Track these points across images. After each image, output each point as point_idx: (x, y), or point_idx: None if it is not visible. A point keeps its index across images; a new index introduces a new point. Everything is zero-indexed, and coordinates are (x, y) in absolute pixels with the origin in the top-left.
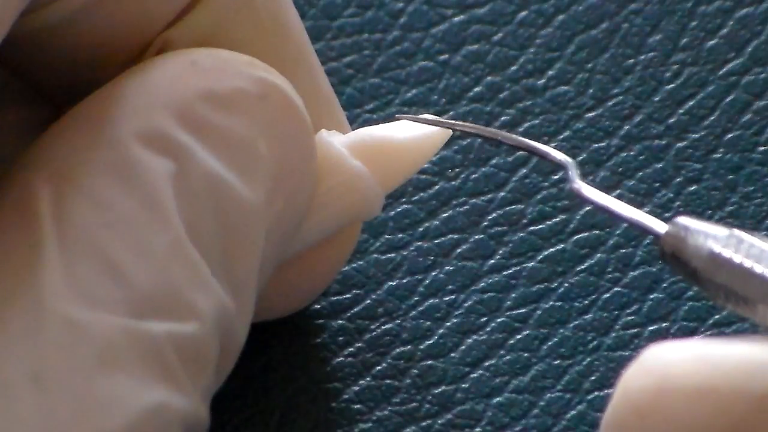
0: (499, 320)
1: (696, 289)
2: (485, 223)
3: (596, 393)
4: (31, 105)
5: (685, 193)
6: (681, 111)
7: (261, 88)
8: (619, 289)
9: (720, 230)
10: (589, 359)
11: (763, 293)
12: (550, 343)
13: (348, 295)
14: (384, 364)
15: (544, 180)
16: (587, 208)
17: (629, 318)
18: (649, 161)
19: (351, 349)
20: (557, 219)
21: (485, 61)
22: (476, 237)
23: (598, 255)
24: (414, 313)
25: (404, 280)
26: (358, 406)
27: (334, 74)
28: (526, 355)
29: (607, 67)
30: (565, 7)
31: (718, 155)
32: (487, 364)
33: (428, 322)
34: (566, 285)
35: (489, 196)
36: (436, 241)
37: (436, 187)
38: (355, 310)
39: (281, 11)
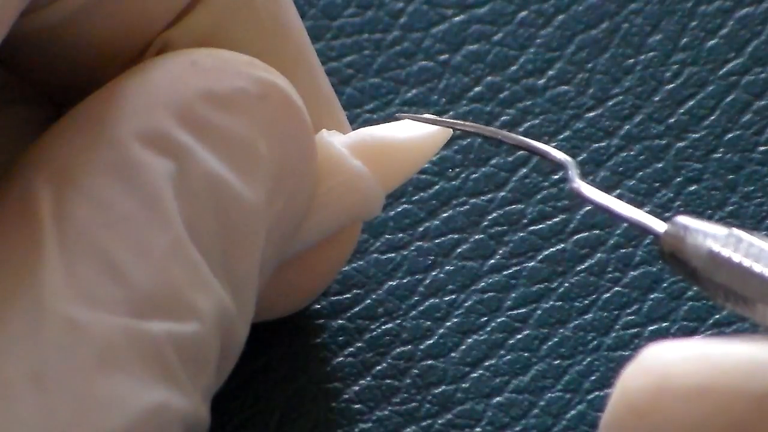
0: (499, 320)
1: (696, 289)
2: (485, 223)
3: (596, 393)
4: (31, 105)
5: (685, 193)
6: (681, 111)
7: (261, 88)
8: (619, 289)
9: (719, 229)
10: (589, 359)
11: (762, 292)
12: (550, 343)
13: (348, 295)
14: (384, 364)
15: (544, 180)
16: (587, 208)
17: (629, 318)
18: (649, 161)
19: (351, 349)
20: (557, 219)
21: (485, 61)
22: (476, 237)
23: (598, 255)
24: (414, 313)
25: (404, 280)
26: (358, 406)
27: (334, 74)
28: (526, 355)
29: (607, 67)
30: (565, 7)
31: (718, 155)
32: (487, 364)
33: (428, 322)
34: (566, 285)
35: (489, 196)
36: (436, 241)
37: (436, 187)
38: (355, 310)
39: (281, 11)
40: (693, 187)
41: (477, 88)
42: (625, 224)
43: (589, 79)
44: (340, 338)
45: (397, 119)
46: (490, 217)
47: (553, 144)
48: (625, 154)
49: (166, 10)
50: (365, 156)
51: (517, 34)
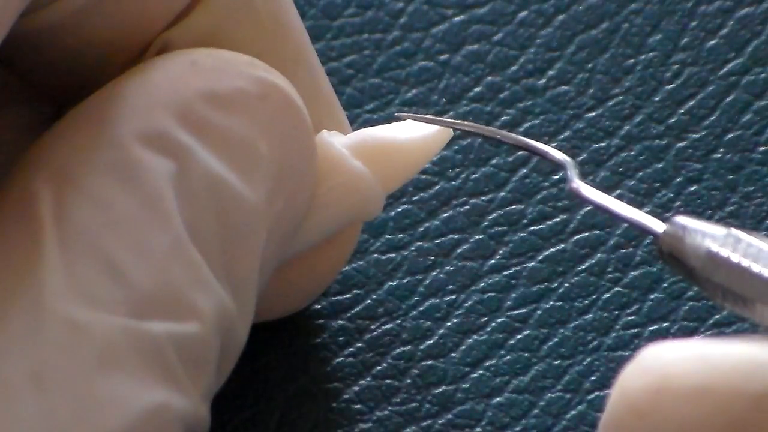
0: (499, 320)
1: (696, 289)
2: (485, 223)
3: (596, 393)
4: (31, 105)
5: (685, 193)
6: (681, 111)
7: (261, 88)
8: (619, 289)
9: (718, 229)
10: (589, 359)
11: (761, 292)
12: (550, 343)
13: (348, 295)
14: (384, 364)
15: (545, 180)
16: (587, 208)
17: (629, 318)
18: (649, 161)
19: (351, 349)
20: (557, 219)
21: (485, 61)
22: (476, 237)
23: (599, 255)
24: (414, 313)
25: (404, 280)
26: (358, 406)
27: (334, 74)
28: (526, 355)
29: (607, 67)
30: (565, 7)
31: (718, 155)
32: (487, 364)
33: (428, 322)
34: (566, 285)
35: (489, 196)
36: (437, 241)
37: (437, 187)
38: (356, 310)
39: (281, 11)
40: (693, 187)
41: (477, 88)
42: (625, 224)
43: (589, 79)
44: (340, 338)
45: (396, 119)
46: (490, 217)
47: (553, 144)
48: (625, 154)
49: (166, 11)
50: (366, 157)
51: (517, 34)
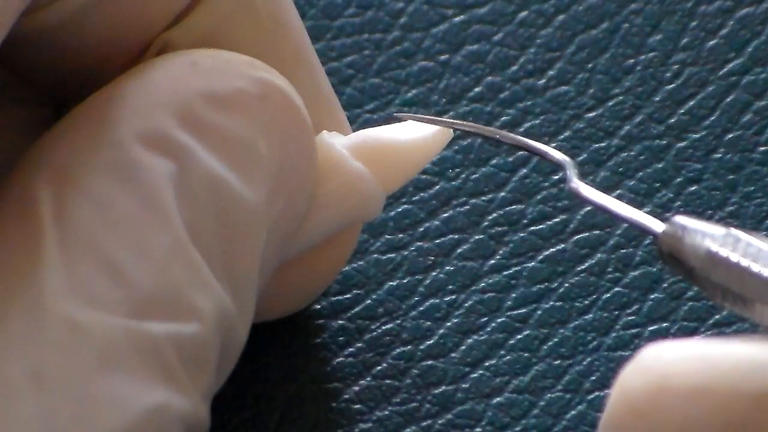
0: (499, 320)
1: (696, 289)
2: (485, 223)
3: (596, 393)
4: (31, 105)
5: (685, 193)
6: (681, 111)
7: (261, 89)
8: (619, 289)
9: (717, 229)
10: (589, 359)
11: (760, 292)
12: (550, 343)
13: (348, 295)
14: (384, 364)
15: (545, 180)
16: (587, 208)
17: (629, 318)
18: (649, 161)
19: (351, 349)
20: (557, 219)
21: (485, 61)
22: (476, 237)
23: (599, 255)
24: (414, 313)
25: (404, 280)
26: (358, 406)
27: (334, 74)
28: (526, 355)
29: (607, 67)
30: (565, 7)
31: (718, 155)
32: (487, 364)
33: (428, 322)
34: (566, 285)
35: (489, 196)
36: (437, 241)
37: (437, 187)
38: (356, 310)
39: (281, 11)
40: (693, 188)
41: (477, 88)
42: (625, 224)
43: (589, 79)
44: (340, 338)
45: (395, 119)
46: (490, 218)
47: (553, 144)
48: (625, 154)
49: (166, 11)
50: (366, 157)
51: (518, 34)
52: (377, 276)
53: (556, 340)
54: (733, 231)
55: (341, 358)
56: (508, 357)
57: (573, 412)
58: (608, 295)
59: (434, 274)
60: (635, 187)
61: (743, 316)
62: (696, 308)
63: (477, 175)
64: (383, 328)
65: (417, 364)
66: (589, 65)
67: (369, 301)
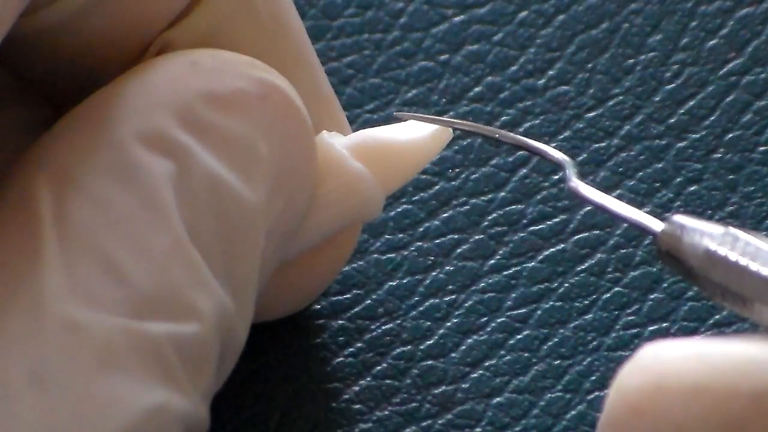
0: (499, 320)
1: (696, 289)
2: (485, 223)
3: (596, 393)
4: (31, 105)
5: (685, 193)
6: (681, 111)
7: (261, 89)
8: (619, 289)
9: (716, 228)
10: (589, 359)
11: (759, 291)
12: (550, 343)
13: (348, 295)
14: (384, 364)
15: (544, 180)
16: (587, 208)
17: (629, 318)
18: (649, 161)
19: (351, 349)
20: (557, 219)
21: (485, 61)
22: (476, 237)
23: (599, 255)
24: (414, 313)
25: (404, 280)
26: (358, 406)
27: (334, 74)
28: (526, 355)
29: (607, 67)
30: (565, 7)
31: (718, 155)
32: (487, 364)
33: (428, 322)
34: (566, 285)
35: (489, 196)
36: (437, 241)
37: (436, 187)
38: (356, 310)
39: (281, 11)
40: (693, 188)
41: (477, 88)
42: (625, 224)
43: (589, 79)
44: (340, 338)
45: (395, 118)
46: (490, 218)
47: (553, 144)
48: (625, 154)
49: (166, 11)
50: (366, 158)
51: (518, 34)
52: (377, 276)
53: (556, 340)
54: (732, 230)
55: (341, 358)
56: (508, 357)
57: (573, 412)
58: (608, 295)
59: (434, 274)
60: (635, 187)
61: (743, 316)
62: (696, 308)
63: (477, 175)
64: (383, 328)
65: (417, 364)
66: (589, 65)
67: (369, 301)
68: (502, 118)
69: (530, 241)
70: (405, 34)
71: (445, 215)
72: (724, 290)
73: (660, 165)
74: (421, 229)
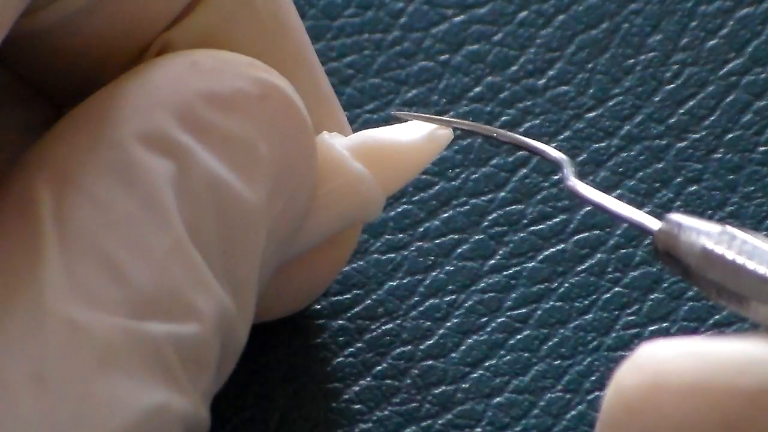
0: (499, 320)
1: (696, 289)
2: (485, 223)
3: (596, 393)
4: (31, 105)
5: (685, 193)
6: (681, 111)
7: (261, 89)
8: (620, 289)
9: (713, 227)
10: (589, 359)
11: (756, 289)
12: (550, 343)
13: (348, 295)
14: (384, 364)
15: (545, 180)
16: (587, 208)
17: (629, 318)
18: (649, 161)
19: (351, 349)
20: (557, 219)
21: (485, 61)
22: (476, 237)
23: (599, 255)
24: (414, 313)
25: (404, 280)
26: (358, 406)
27: (334, 74)
28: (526, 355)
29: (607, 67)
30: (565, 7)
31: (718, 155)
32: (487, 364)
33: (428, 322)
34: (566, 285)
35: (489, 196)
36: (437, 241)
37: (437, 187)
38: (356, 310)
39: (281, 11)
40: (693, 188)
41: (477, 88)
42: (625, 224)
43: (589, 79)
44: (340, 338)
45: (395, 118)
46: (490, 218)
47: (553, 144)
48: (625, 154)
49: (166, 11)
50: (366, 158)
51: (518, 34)
52: (377, 276)
53: (556, 340)
54: (729, 229)
55: (341, 358)
56: (508, 357)
57: (573, 412)
58: (608, 295)
59: (434, 274)
60: (635, 187)
61: (740, 314)
62: (696, 308)
63: (477, 175)
64: (383, 328)
65: (417, 364)
66: (589, 65)
67: (369, 301)
68: (502, 118)
69: (530, 241)
70: (405, 34)
71: (445, 215)
72: (721, 289)
73: (660, 165)
74: (421, 229)
